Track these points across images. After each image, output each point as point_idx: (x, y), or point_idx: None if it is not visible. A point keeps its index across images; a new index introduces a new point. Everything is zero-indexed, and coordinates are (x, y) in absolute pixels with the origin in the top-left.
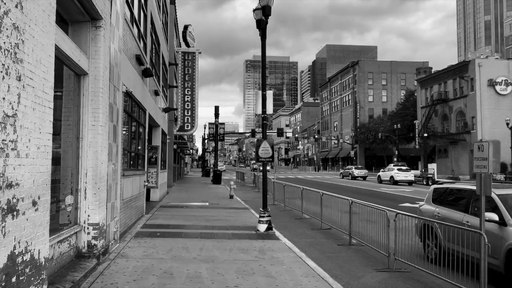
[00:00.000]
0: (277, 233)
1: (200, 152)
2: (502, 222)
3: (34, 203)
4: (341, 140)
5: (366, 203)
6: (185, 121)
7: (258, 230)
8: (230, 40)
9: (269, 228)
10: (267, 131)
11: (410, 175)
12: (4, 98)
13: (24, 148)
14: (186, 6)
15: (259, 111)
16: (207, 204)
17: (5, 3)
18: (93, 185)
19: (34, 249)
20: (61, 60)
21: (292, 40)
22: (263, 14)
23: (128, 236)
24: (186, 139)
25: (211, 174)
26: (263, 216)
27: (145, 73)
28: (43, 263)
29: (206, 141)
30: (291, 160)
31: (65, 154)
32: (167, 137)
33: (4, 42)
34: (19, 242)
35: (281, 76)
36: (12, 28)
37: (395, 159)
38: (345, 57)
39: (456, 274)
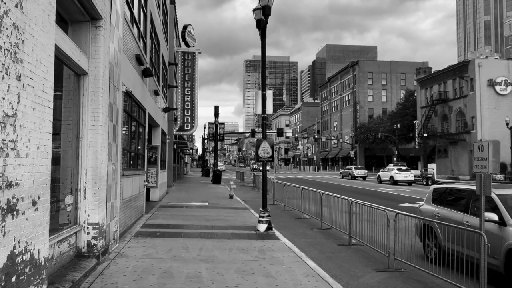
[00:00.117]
0: (277, 233)
1: (200, 152)
2: (501, 222)
3: (34, 203)
4: (341, 140)
5: (366, 203)
6: (185, 121)
7: (258, 230)
8: (230, 40)
9: (269, 228)
10: (267, 131)
11: (409, 175)
12: (4, 98)
13: (24, 148)
14: (186, 6)
15: (259, 111)
16: (207, 204)
17: (5, 3)
18: (92, 185)
19: (34, 249)
20: (61, 60)
21: (292, 40)
22: (263, 14)
23: (128, 236)
24: (186, 139)
25: (211, 174)
26: (263, 216)
27: (145, 73)
28: (43, 263)
29: (206, 141)
30: (291, 160)
31: (65, 154)
32: (167, 137)
33: (4, 42)
34: (18, 242)
35: (281, 76)
36: (12, 27)
37: (395, 159)
38: (345, 57)
39: (456, 274)
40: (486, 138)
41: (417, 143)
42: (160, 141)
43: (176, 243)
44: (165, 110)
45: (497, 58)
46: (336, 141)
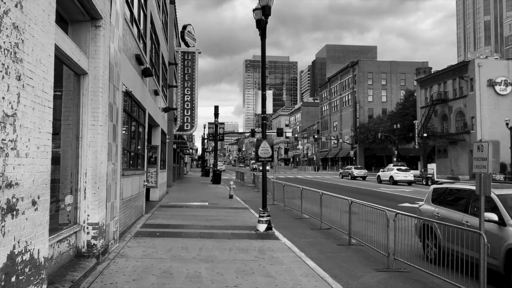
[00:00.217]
0: (277, 233)
1: (199, 152)
2: (501, 222)
3: (34, 203)
4: (340, 140)
5: (366, 203)
6: (185, 120)
7: (257, 230)
8: (230, 39)
9: (268, 228)
10: (267, 131)
11: (409, 175)
12: (3, 98)
13: (23, 147)
14: (186, 6)
15: (259, 111)
16: (207, 204)
17: (4, 3)
18: (92, 184)
19: (33, 249)
20: (61, 60)
21: (292, 40)
22: (263, 14)
23: (128, 236)
24: (186, 138)
25: (211, 174)
26: (263, 216)
27: (145, 73)
28: (43, 263)
29: (205, 141)
30: (291, 160)
31: (64, 153)
32: (167, 136)
33: (4, 42)
34: (18, 242)
35: (281, 76)
36: (12, 27)
37: (394, 159)
38: (345, 57)
39: (456, 274)
40: (486, 138)
41: (417, 143)
42: (160, 141)
43: (176, 243)
44: (165, 110)
45: (497, 58)
46: (336, 141)
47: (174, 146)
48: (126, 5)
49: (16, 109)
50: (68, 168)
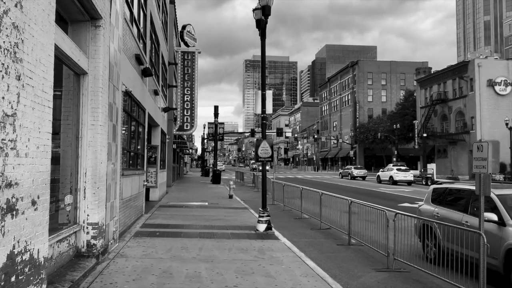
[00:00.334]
0: (277, 233)
1: (199, 151)
2: (501, 222)
3: (34, 203)
4: (340, 140)
5: (366, 203)
6: (185, 120)
7: (257, 230)
8: (230, 39)
9: (268, 228)
10: (267, 131)
11: (409, 175)
12: (3, 98)
13: (23, 147)
14: (185, 6)
15: (259, 111)
16: (207, 204)
17: (4, 2)
18: (92, 184)
19: (33, 249)
20: (61, 60)
21: (291, 40)
22: (262, 14)
23: (128, 236)
24: (186, 138)
25: (211, 174)
26: (263, 216)
27: (145, 73)
28: (43, 263)
29: (205, 140)
30: (291, 160)
31: (64, 153)
32: (167, 136)
33: (4, 42)
34: (18, 242)
35: (281, 76)
36: (12, 27)
37: (394, 159)
38: (345, 57)
39: (455, 274)
40: (485, 138)
41: (416, 143)
42: (160, 141)
43: (175, 243)
44: (165, 110)
45: (497, 58)
46: (335, 141)
47: (174, 146)
48: (126, 5)
49: (16, 109)
50: (67, 168)
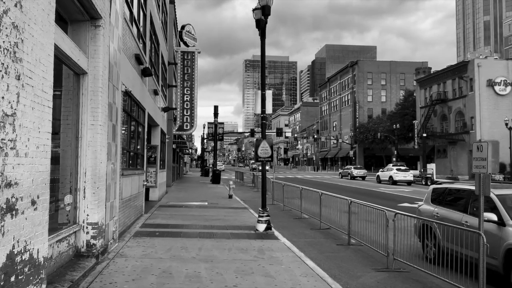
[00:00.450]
0: (276, 233)
1: (199, 151)
2: (501, 222)
3: (33, 203)
4: (340, 140)
5: (365, 203)
6: (184, 120)
7: (257, 230)
8: (230, 39)
9: (268, 228)
10: (266, 131)
11: (409, 175)
12: (3, 97)
13: (23, 147)
14: (185, 6)
15: (258, 110)
16: (206, 203)
17: (4, 2)
18: (92, 184)
19: (33, 249)
20: (60, 59)
21: (291, 40)
22: (262, 13)
23: (127, 236)
24: (185, 138)
25: (210, 174)
26: (262, 216)
27: (144, 73)
28: (42, 263)
29: (205, 140)
30: (290, 160)
31: (64, 153)
32: (166, 136)
33: (4, 41)
34: (18, 242)
35: (281, 75)
36: (12, 27)
37: (394, 159)
38: (345, 57)
39: (455, 274)
40: (485, 138)
41: (416, 143)
42: (160, 141)
43: (175, 242)
44: (165, 109)
45: (497, 58)
46: (335, 141)
47: (174, 146)
48: (126, 5)
49: (15, 109)
50: (67, 167)
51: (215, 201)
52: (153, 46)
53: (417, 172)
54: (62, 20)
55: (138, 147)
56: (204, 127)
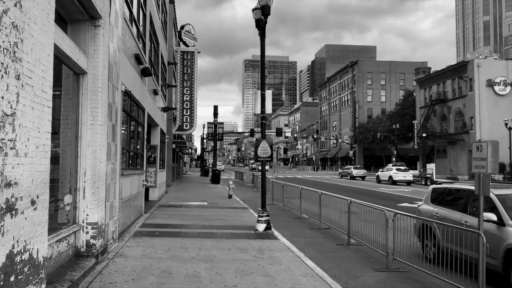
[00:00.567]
0: (276, 233)
1: (199, 151)
2: (500, 222)
3: (33, 202)
4: (340, 140)
5: (365, 203)
6: (184, 120)
7: (256, 230)
8: (229, 39)
9: (267, 228)
10: (266, 131)
11: (408, 175)
12: (3, 97)
13: (23, 147)
14: (185, 5)
15: (258, 110)
16: (206, 203)
17: (4, 2)
18: (91, 184)
19: (32, 248)
20: (60, 59)
21: (291, 40)
22: (262, 13)
23: (127, 236)
24: (185, 138)
25: (210, 174)
26: (262, 216)
27: (144, 73)
28: (42, 262)
29: (205, 140)
30: (290, 160)
31: (64, 153)
32: (166, 136)
33: (3, 41)
34: (17, 241)
35: (280, 75)
36: (11, 27)
37: (393, 159)
38: (344, 57)
39: (455, 274)
40: (485, 138)
41: (416, 143)
42: (159, 141)
43: (175, 242)
44: (164, 109)
45: (496, 58)
46: (335, 141)
47: (173, 146)
48: (125, 5)
49: (15, 109)
50: (67, 167)
51: (215, 201)
52: (153, 46)
53: (416, 172)
54: (62, 20)
55: (138, 147)
56: (203, 127)
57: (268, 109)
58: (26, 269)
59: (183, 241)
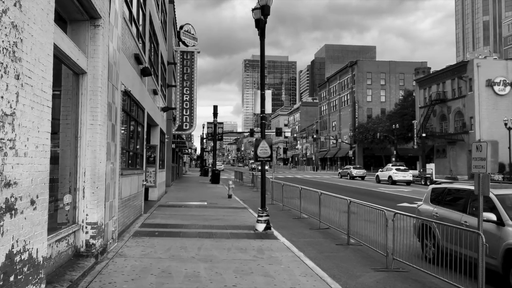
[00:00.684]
0: (276, 233)
1: (198, 151)
2: (500, 222)
3: (33, 202)
4: (339, 140)
5: (365, 203)
6: (184, 120)
7: (256, 230)
8: (229, 39)
9: (267, 228)
10: (266, 131)
11: (408, 175)
12: (2, 97)
13: (22, 147)
14: (185, 5)
15: (258, 110)
16: (206, 203)
17: (3, 2)
18: (91, 184)
19: (32, 248)
20: (60, 59)
21: (291, 40)
22: (262, 13)
23: (127, 235)
24: (185, 138)
25: (210, 174)
26: (262, 216)
27: (144, 72)
28: (41, 262)
29: (204, 140)
30: (290, 159)
31: (63, 153)
32: (166, 136)
33: (3, 41)
34: (17, 241)
35: (280, 75)
36: (11, 26)
37: (393, 159)
38: (344, 57)
39: (454, 274)
40: (484, 138)
41: (415, 143)
42: (159, 141)
43: (174, 242)
44: (164, 109)
45: (496, 58)
46: (334, 141)
47: (173, 145)
48: (125, 4)
49: (15, 108)
50: (67, 167)
51: (215, 201)
52: (153, 45)
53: (416, 172)
54: (62, 19)
55: (138, 147)
56: (203, 127)
57: (268, 109)
58: (25, 269)
59: (183, 241)
